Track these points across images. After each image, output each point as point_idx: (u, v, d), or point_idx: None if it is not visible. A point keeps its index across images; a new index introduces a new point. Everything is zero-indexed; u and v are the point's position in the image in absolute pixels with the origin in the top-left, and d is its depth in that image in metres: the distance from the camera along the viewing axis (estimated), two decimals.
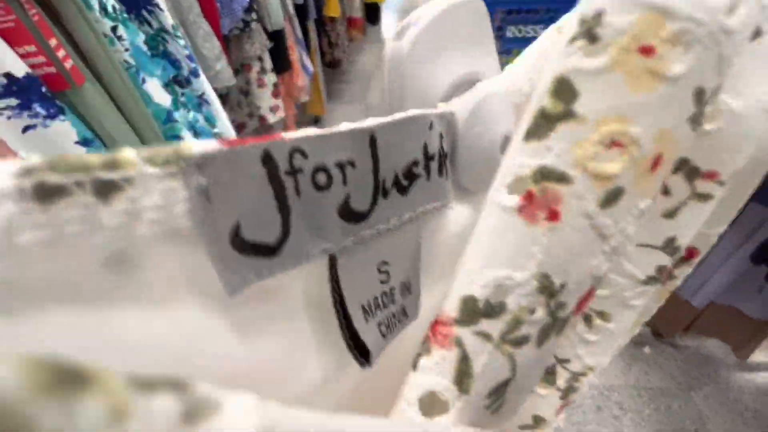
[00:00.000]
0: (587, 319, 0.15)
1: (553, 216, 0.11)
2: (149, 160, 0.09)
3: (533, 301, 0.12)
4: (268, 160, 0.10)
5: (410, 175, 0.14)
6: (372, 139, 0.12)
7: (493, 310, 0.12)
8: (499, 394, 0.13)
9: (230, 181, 0.10)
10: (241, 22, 0.87)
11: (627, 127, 0.10)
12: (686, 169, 0.13)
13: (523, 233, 0.11)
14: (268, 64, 1.02)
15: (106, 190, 0.08)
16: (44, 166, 0.08)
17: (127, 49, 0.55)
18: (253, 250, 0.10)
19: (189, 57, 0.65)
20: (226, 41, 0.87)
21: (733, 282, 0.80)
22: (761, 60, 0.11)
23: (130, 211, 0.09)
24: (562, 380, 0.16)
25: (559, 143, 0.11)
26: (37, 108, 0.48)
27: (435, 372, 0.12)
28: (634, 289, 0.15)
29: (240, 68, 0.96)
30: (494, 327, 0.12)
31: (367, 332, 0.14)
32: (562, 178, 0.11)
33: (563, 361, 0.16)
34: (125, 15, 0.56)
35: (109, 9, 0.53)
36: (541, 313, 0.12)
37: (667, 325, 1.05)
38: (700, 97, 0.10)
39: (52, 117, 0.48)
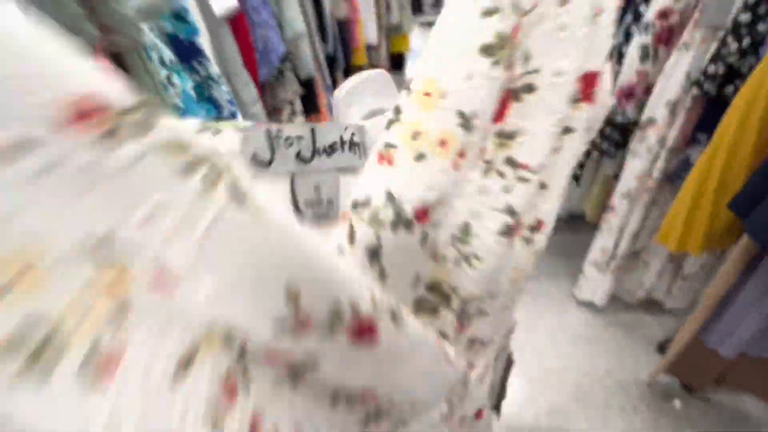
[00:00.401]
0: (467, 260, 0.23)
1: (389, 162, 0.21)
2: (232, 125, 0.26)
3: (384, 203, 0.21)
4: (268, 132, 0.27)
5: (332, 149, 0.29)
6: (312, 130, 0.28)
7: (363, 205, 0.21)
8: (374, 257, 0.21)
9: (253, 136, 0.26)
10: (276, 71, 0.96)
11: (422, 127, 0.21)
12: (511, 162, 0.22)
13: (377, 171, 0.22)
14: (299, 107, 1.11)
15: (218, 134, 0.26)
16: (204, 125, 0.26)
17: (178, 95, 0.62)
18: (261, 164, 0.26)
19: (230, 101, 0.73)
20: (262, 87, 0.96)
21: (763, 333, 0.77)
22: (552, 42, 0.20)
23: (219, 142, 0.25)
24: (455, 303, 0.24)
25: (393, 132, 0.22)
26: None
27: (340, 235, 0.22)
28: (492, 239, 0.22)
29: (273, 111, 1.05)
30: (364, 214, 0.21)
31: (306, 213, 0.29)
32: (393, 146, 0.21)
33: (454, 288, 0.24)
34: (179, 65, 0.65)
35: (166, 60, 0.62)
36: (390, 212, 0.21)
37: (695, 377, 0.99)
38: (462, 115, 0.20)
39: None
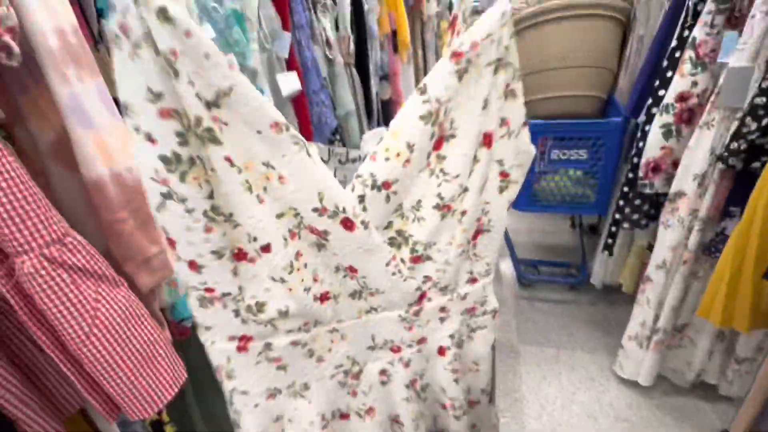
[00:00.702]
0: (418, 220, 0.41)
1: (373, 159, 0.39)
2: (315, 145, 0.42)
3: (369, 176, 0.38)
4: (328, 149, 0.51)
5: (355, 160, 0.52)
6: (347, 151, 0.52)
7: (360, 176, 0.39)
8: (361, 200, 0.39)
9: (322, 149, 0.49)
10: (327, 142, 1.11)
11: (389, 146, 0.38)
12: (443, 171, 0.40)
13: (368, 162, 0.39)
14: None
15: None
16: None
17: None
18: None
19: None
20: None
21: None
22: (465, 106, 0.38)
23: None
24: (410, 243, 0.41)
25: (377, 147, 0.39)
26: None
27: (349, 188, 0.39)
28: (430, 210, 0.40)
29: None
30: (359, 180, 0.39)
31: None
32: (376, 152, 0.39)
33: (411, 235, 0.42)
34: None
35: None
36: (370, 180, 0.38)
37: None
38: (408, 143, 0.38)
39: None
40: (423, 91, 0.37)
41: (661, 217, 1.04)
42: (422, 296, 0.44)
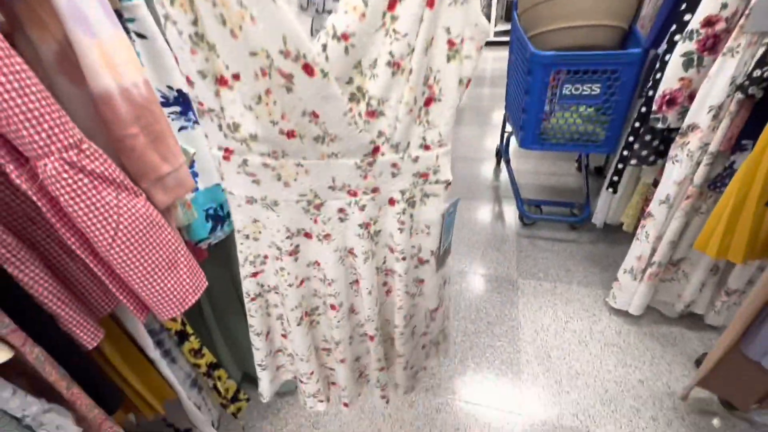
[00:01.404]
0: (374, 76, 0.45)
1: (335, 12, 0.41)
2: None
3: (331, 26, 0.41)
4: (309, 0, 0.49)
5: (330, 11, 0.48)
6: (324, 1, 0.49)
7: (325, 28, 0.42)
8: (324, 48, 0.42)
9: None
10: None
11: (349, 3, 0.41)
12: (395, 31, 0.43)
13: (332, 16, 0.42)
14: None
15: None
16: None
17: None
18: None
19: None
20: None
21: None
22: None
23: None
24: (366, 98, 0.46)
25: (341, 3, 0.41)
26: (191, 115, 0.67)
27: (317, 38, 0.42)
28: (383, 67, 0.44)
29: None
30: (324, 31, 0.42)
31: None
32: (338, 8, 0.41)
33: (367, 90, 0.45)
34: None
35: None
36: (332, 30, 0.41)
37: (737, 394, 0.95)
38: (365, 1, 0.41)
39: (198, 123, 0.66)
40: None
41: (669, 152, 1.03)
42: (376, 149, 0.49)
